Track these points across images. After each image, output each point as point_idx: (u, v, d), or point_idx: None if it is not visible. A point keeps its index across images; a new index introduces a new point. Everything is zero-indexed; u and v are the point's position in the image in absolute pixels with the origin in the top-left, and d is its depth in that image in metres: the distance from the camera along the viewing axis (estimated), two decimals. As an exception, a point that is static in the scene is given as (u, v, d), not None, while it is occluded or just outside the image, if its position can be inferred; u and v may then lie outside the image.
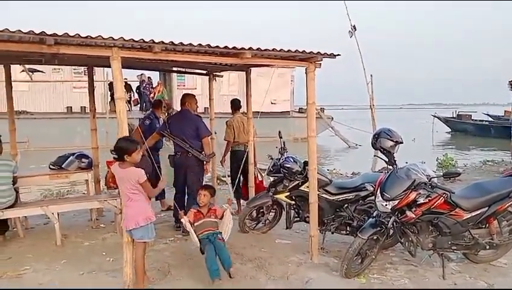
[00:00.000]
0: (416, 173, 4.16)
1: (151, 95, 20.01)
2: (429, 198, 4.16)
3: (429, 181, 4.15)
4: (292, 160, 5.33)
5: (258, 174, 6.72)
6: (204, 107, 17.55)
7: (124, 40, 3.64)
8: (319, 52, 4.44)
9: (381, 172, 5.01)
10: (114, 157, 3.89)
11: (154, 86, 21.39)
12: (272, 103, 21.13)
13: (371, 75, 20.92)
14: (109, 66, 3.85)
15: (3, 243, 5.33)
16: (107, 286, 4.12)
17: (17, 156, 6.34)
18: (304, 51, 4.36)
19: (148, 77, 21.57)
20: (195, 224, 4.42)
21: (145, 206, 3.89)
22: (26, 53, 4.61)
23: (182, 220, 4.41)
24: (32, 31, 3.38)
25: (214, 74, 7.24)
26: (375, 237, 4.29)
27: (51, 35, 3.42)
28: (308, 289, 4.12)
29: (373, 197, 4.51)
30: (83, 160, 6.39)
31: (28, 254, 4.99)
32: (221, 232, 4.46)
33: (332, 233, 5.26)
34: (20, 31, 3.36)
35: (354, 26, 19.40)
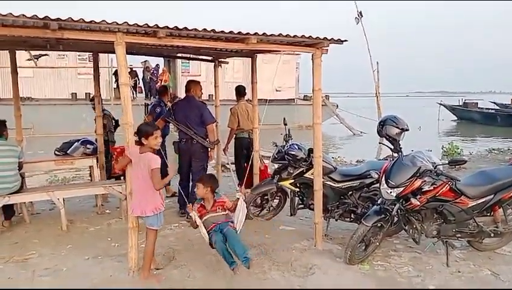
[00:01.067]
0: (422, 161, 4.15)
1: (158, 83, 19.92)
2: (434, 185, 4.15)
3: (434, 169, 4.14)
4: (297, 147, 5.32)
5: (260, 161, 6.72)
6: (209, 94, 17.52)
7: (129, 24, 3.62)
8: (325, 37, 4.38)
9: (386, 159, 4.99)
10: (135, 141, 3.90)
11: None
12: (276, 90, 21.06)
13: (377, 62, 20.83)
14: (114, 52, 3.83)
15: (10, 228, 5.38)
16: (113, 270, 4.16)
17: (23, 142, 6.37)
18: (311, 36, 4.31)
19: (157, 64, 21.47)
20: (202, 220, 4.22)
21: (153, 194, 3.86)
22: (30, 38, 4.61)
23: (190, 214, 4.26)
24: (36, 16, 3.36)
25: (219, 60, 7.20)
26: (379, 224, 4.29)
27: (54, 19, 3.41)
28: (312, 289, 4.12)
29: (378, 185, 4.50)
30: (88, 146, 6.41)
31: (33, 239, 5.04)
32: (232, 221, 4.29)
33: (336, 220, 5.26)
34: (23, 15, 3.34)
35: (361, 13, 19.27)
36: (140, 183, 3.86)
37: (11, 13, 3.30)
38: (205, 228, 4.17)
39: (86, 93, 18.99)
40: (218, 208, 4.27)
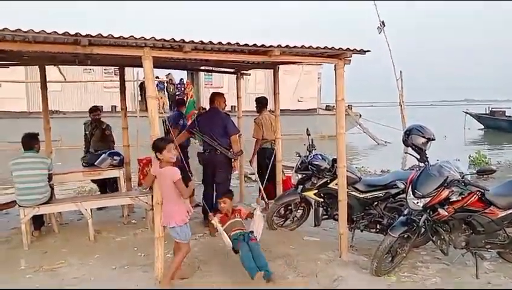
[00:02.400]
0: (449, 170, 4.08)
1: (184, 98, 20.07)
2: (462, 196, 4.07)
3: (462, 178, 4.07)
4: (320, 157, 5.30)
5: (282, 172, 6.73)
6: (231, 106, 17.65)
7: (155, 40, 3.71)
8: (348, 48, 4.40)
9: (412, 169, 4.93)
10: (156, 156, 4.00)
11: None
12: (298, 101, 21.07)
13: (401, 72, 20.63)
14: (139, 66, 3.94)
15: (39, 238, 5.51)
16: (139, 280, 4.21)
17: (52, 154, 6.55)
18: (333, 47, 4.33)
19: (181, 79, 21.53)
20: (224, 227, 4.42)
21: (176, 207, 3.97)
22: (60, 54, 4.77)
23: (212, 221, 4.44)
24: (67, 32, 3.48)
25: (242, 72, 7.28)
26: (406, 235, 4.23)
27: (85, 36, 3.53)
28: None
29: (404, 195, 4.45)
30: (115, 157, 6.52)
31: (62, 248, 5.15)
32: (252, 231, 4.45)
33: (362, 231, 5.21)
34: (55, 32, 3.47)
35: (383, 22, 19.17)
36: (168, 196, 3.96)
37: (43, 30, 3.44)
38: (230, 230, 4.39)
39: (111, 106, 19.43)
40: (236, 215, 4.58)
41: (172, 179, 3.87)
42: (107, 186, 7.09)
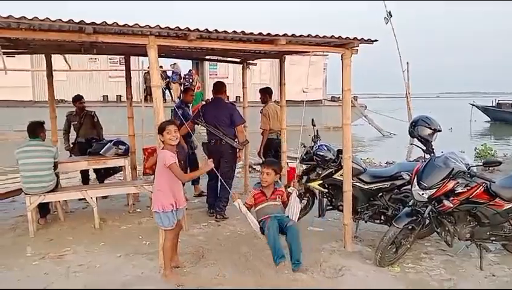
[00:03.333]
0: (455, 162, 4.06)
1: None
2: (468, 187, 4.05)
3: (468, 170, 4.04)
4: (326, 148, 5.28)
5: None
6: (236, 96, 17.60)
7: (160, 28, 3.70)
8: (355, 37, 4.36)
9: (418, 161, 4.90)
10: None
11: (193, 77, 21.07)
12: (303, 92, 20.99)
13: (407, 63, 20.45)
14: (145, 55, 3.92)
15: (45, 226, 5.57)
16: (144, 268, 4.24)
17: (58, 143, 6.58)
18: (340, 36, 4.29)
19: (190, 70, 20.97)
20: (256, 208, 4.08)
21: (163, 194, 3.86)
22: (66, 42, 4.77)
23: (234, 203, 4.13)
24: (72, 20, 3.47)
25: (248, 62, 7.24)
26: (410, 227, 4.22)
27: (89, 23, 3.51)
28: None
29: (409, 186, 4.43)
30: (120, 147, 6.55)
31: (68, 236, 5.20)
32: (287, 217, 4.11)
33: (366, 222, 5.20)
34: (60, 20, 3.46)
35: (390, 13, 18.96)
36: (157, 180, 3.92)
37: (48, 18, 3.43)
38: (262, 215, 4.04)
39: (116, 96, 19.43)
40: (278, 197, 4.17)
41: (163, 162, 3.77)
42: (105, 174, 7.12)
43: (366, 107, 23.43)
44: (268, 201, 4.12)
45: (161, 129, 3.86)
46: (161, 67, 18.49)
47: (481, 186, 4.07)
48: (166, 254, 4.00)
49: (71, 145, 7.14)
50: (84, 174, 7.10)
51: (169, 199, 3.87)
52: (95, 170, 7.10)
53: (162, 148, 3.89)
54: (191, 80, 20.39)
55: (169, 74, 21.60)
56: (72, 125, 7.11)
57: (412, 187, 4.23)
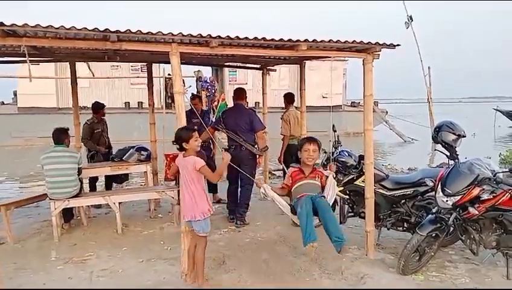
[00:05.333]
0: (480, 168, 3.97)
1: (215, 103, 19.08)
2: (494, 194, 3.96)
3: (494, 176, 3.95)
4: (347, 154, 5.24)
5: None
6: (255, 102, 17.65)
7: (183, 35, 3.74)
8: (377, 42, 4.32)
9: (441, 167, 4.82)
10: (177, 148, 3.93)
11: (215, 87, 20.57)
12: (323, 97, 20.88)
13: (429, 67, 20.20)
14: (166, 62, 3.96)
15: (69, 231, 5.66)
16: (166, 273, 4.27)
17: (81, 149, 6.70)
18: (362, 41, 4.26)
19: (211, 80, 20.60)
20: (294, 187, 3.95)
21: (201, 198, 3.88)
22: (90, 50, 4.87)
23: (261, 189, 4.05)
24: (97, 28, 3.54)
25: (267, 68, 7.26)
26: (434, 234, 4.14)
27: (114, 31, 3.58)
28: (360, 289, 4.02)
29: (432, 193, 4.36)
30: (142, 152, 6.63)
31: (91, 241, 5.27)
32: (323, 197, 3.92)
33: (388, 229, 5.12)
34: (85, 28, 3.53)
35: (411, 17, 18.79)
36: (190, 188, 3.88)
37: (74, 26, 3.50)
38: (299, 193, 3.89)
39: (138, 102, 19.71)
40: (318, 176, 4.08)
41: (194, 167, 3.77)
42: (116, 179, 7.13)
43: (387, 112, 23.17)
44: (307, 178, 4.00)
45: (187, 138, 3.83)
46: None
47: (508, 193, 3.97)
48: (201, 263, 3.94)
49: (103, 150, 7.00)
50: (93, 182, 6.99)
51: (206, 204, 3.90)
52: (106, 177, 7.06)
53: (184, 156, 3.89)
54: (213, 91, 20.27)
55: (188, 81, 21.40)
56: (94, 133, 6.98)
57: (435, 194, 4.15)
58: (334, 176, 4.28)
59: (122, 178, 7.17)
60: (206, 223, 3.95)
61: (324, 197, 3.93)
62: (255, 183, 4.32)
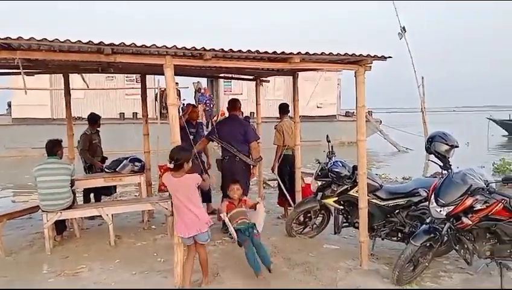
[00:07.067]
0: (473, 178, 4.00)
1: (214, 118, 18.93)
2: (487, 204, 3.98)
3: (487, 186, 3.98)
4: (341, 164, 5.26)
5: (302, 180, 6.69)
6: (250, 112, 17.69)
7: (177, 48, 3.76)
8: (369, 54, 4.36)
9: (435, 177, 4.84)
10: (173, 166, 3.90)
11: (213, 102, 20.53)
12: (317, 107, 20.98)
13: (422, 77, 20.35)
14: (160, 74, 3.98)
15: (61, 243, 5.61)
16: (159, 285, 4.24)
17: (75, 160, 6.67)
18: (354, 54, 4.31)
19: (211, 95, 20.61)
20: (229, 214, 4.62)
21: (202, 210, 4.10)
22: (84, 62, 4.87)
23: (221, 215, 4.66)
24: (91, 41, 3.55)
25: (261, 79, 7.30)
26: (428, 244, 4.15)
27: (108, 44, 3.59)
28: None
29: (426, 203, 4.38)
30: (136, 163, 6.60)
31: (83, 253, 5.23)
32: (254, 224, 4.60)
33: (383, 239, 5.14)
34: (79, 41, 3.54)
35: (404, 28, 18.96)
36: (188, 207, 3.93)
37: (68, 40, 3.51)
38: (234, 218, 4.60)
39: (133, 113, 19.69)
40: (242, 205, 4.80)
41: (196, 183, 4.00)
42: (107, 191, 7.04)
43: (381, 122, 23.28)
44: (236, 208, 4.73)
45: (187, 160, 3.94)
46: (177, 84, 18.50)
47: (500, 203, 4.00)
48: (206, 263, 4.25)
49: (100, 165, 6.92)
50: (87, 194, 6.91)
51: (206, 213, 4.17)
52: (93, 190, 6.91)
53: (175, 176, 3.93)
54: (212, 105, 20.17)
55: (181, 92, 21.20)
56: (92, 144, 6.95)
57: (429, 204, 4.17)
58: (264, 205, 4.95)
59: (111, 190, 7.12)
60: (209, 231, 4.12)
61: (255, 225, 4.60)
62: (217, 212, 5.05)
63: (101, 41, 3.55)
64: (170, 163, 3.88)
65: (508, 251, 4.19)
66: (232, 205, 4.76)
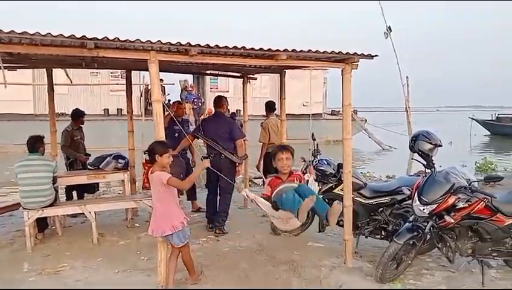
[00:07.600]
0: (456, 177, 4.04)
1: (202, 116, 18.43)
2: (469, 203, 4.03)
3: (469, 185, 4.03)
4: (326, 162, 5.26)
5: None
6: (236, 109, 17.65)
7: (162, 43, 3.71)
8: (355, 52, 4.37)
9: (418, 175, 4.88)
10: (146, 159, 3.93)
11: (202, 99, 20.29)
12: (303, 105, 21.02)
13: (407, 77, 20.57)
14: (146, 70, 3.93)
15: (43, 241, 5.51)
16: (142, 284, 4.19)
17: (57, 157, 6.56)
18: (340, 52, 4.31)
19: (199, 94, 20.44)
20: (274, 193, 3.99)
21: (170, 213, 3.88)
22: (67, 57, 4.78)
23: (242, 192, 4.18)
24: (74, 35, 3.48)
25: (248, 76, 7.27)
26: (411, 242, 4.18)
27: (91, 39, 3.53)
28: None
29: (410, 201, 4.41)
30: (120, 161, 6.52)
31: (65, 251, 5.15)
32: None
33: (367, 237, 5.16)
34: (61, 35, 3.47)
35: (390, 27, 19.13)
36: (156, 204, 3.91)
37: (49, 33, 3.43)
38: (274, 199, 3.96)
39: (117, 109, 19.49)
40: (296, 179, 4.14)
41: (161, 182, 3.77)
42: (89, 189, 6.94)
43: (366, 120, 23.46)
44: (285, 183, 4.06)
45: (162, 152, 3.81)
46: (161, 80, 18.31)
47: (482, 202, 4.05)
48: (190, 264, 4.14)
49: (84, 158, 6.85)
50: (69, 191, 6.80)
51: (180, 217, 3.92)
52: (75, 188, 6.81)
53: (152, 171, 3.86)
54: (200, 104, 19.97)
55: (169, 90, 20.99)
56: (73, 140, 6.85)
57: (412, 202, 4.20)
58: (315, 178, 4.41)
59: (94, 187, 7.02)
60: (184, 234, 3.95)
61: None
62: (236, 188, 4.40)
63: (83, 35, 3.48)
64: (144, 153, 3.85)
65: (489, 249, 4.24)
66: (278, 179, 4.06)
